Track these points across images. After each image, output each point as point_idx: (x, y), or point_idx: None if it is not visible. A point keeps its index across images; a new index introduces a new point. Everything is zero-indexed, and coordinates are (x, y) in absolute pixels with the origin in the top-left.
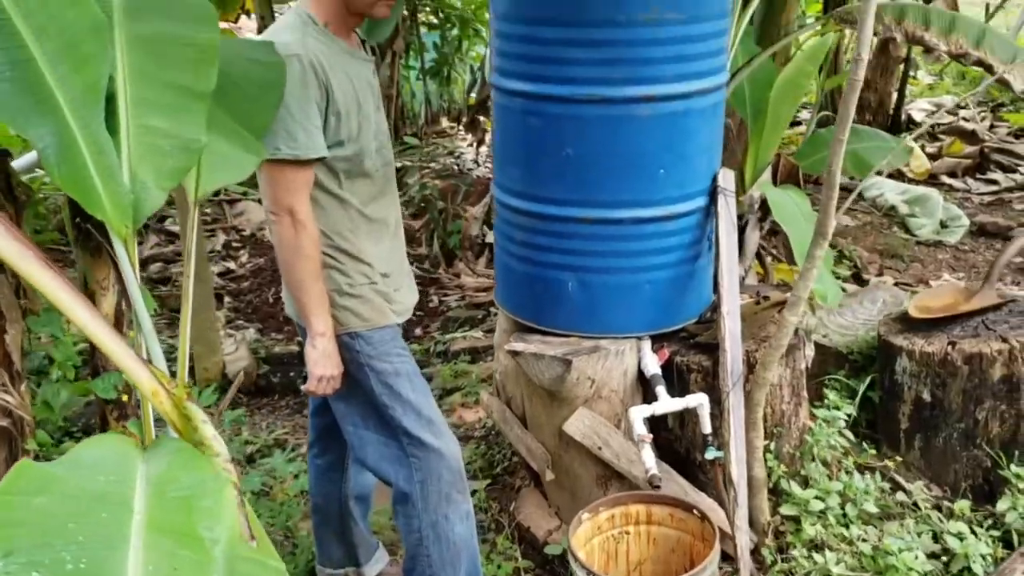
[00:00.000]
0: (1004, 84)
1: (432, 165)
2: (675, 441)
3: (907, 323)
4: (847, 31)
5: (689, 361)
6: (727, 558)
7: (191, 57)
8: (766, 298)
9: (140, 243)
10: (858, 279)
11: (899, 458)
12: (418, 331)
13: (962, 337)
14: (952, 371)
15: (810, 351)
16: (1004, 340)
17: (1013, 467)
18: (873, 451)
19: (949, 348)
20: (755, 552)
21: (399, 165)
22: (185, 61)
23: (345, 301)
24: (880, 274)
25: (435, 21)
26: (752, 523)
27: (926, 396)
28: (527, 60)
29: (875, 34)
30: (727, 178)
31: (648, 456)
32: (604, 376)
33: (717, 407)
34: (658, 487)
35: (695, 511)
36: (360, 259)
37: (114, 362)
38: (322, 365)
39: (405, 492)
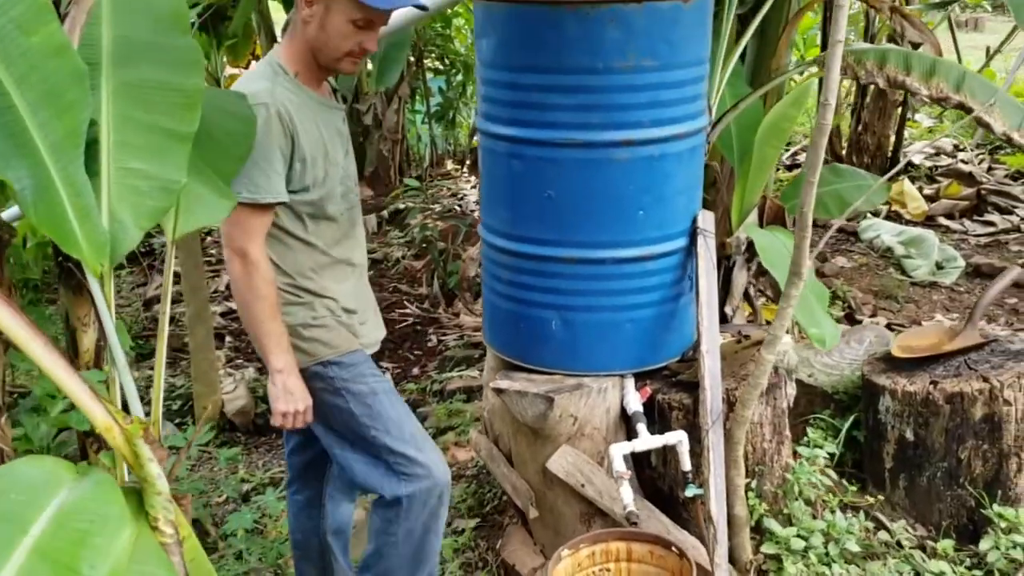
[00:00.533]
0: (984, 126)
1: (435, 207)
2: (658, 479)
3: (891, 363)
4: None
5: (670, 399)
6: None
7: (176, 102)
8: (747, 337)
9: (144, 284)
10: (851, 320)
11: (883, 497)
12: (416, 370)
13: (944, 377)
14: (934, 410)
15: (791, 390)
16: (985, 379)
17: (996, 507)
18: (855, 489)
19: (931, 387)
20: None
21: (402, 206)
22: (170, 105)
23: (312, 332)
24: (874, 315)
25: (441, 67)
26: (734, 561)
27: (909, 435)
28: (510, 105)
29: (857, 79)
30: (707, 219)
31: (626, 493)
32: (587, 414)
33: (698, 445)
34: (635, 524)
35: (674, 548)
36: (324, 296)
37: (70, 397)
38: (283, 401)
39: (395, 498)
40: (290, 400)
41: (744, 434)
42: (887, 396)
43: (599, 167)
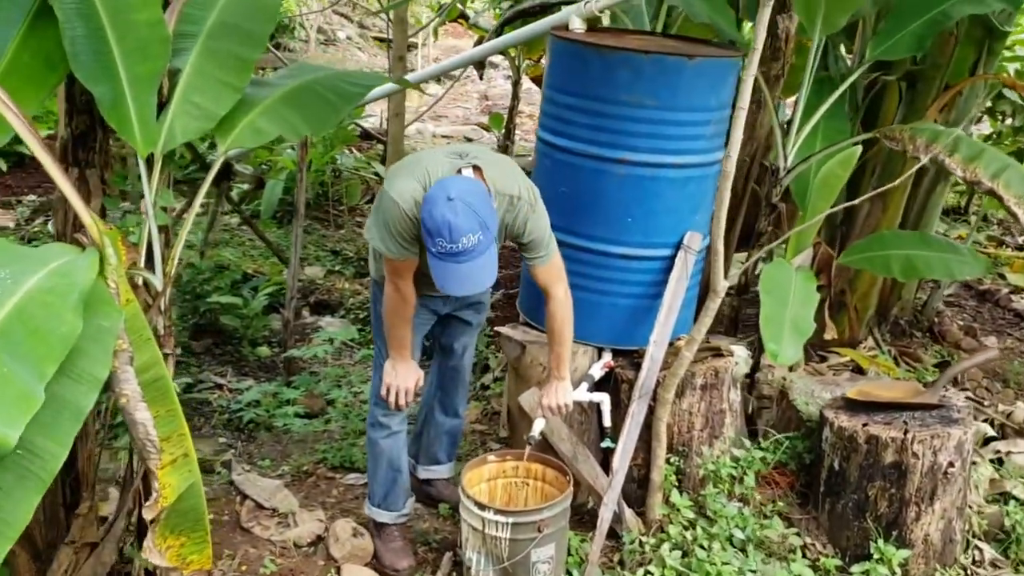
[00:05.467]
0: (1013, 215)
1: None
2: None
3: (850, 403)
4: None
5: (624, 374)
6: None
7: (236, 65)
8: (707, 342)
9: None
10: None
11: (813, 516)
12: None
13: (876, 422)
14: (855, 447)
15: (734, 395)
16: (904, 432)
17: (882, 543)
18: (781, 504)
19: (859, 427)
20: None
21: None
22: (231, 67)
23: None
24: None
25: None
26: (644, 517)
27: (836, 465)
28: (550, 117)
29: (904, 152)
30: (693, 239)
31: (538, 425)
32: None
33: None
34: (530, 445)
35: (568, 478)
36: None
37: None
38: (387, 375)
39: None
40: (390, 375)
41: (666, 414)
42: (828, 428)
43: (601, 176)
